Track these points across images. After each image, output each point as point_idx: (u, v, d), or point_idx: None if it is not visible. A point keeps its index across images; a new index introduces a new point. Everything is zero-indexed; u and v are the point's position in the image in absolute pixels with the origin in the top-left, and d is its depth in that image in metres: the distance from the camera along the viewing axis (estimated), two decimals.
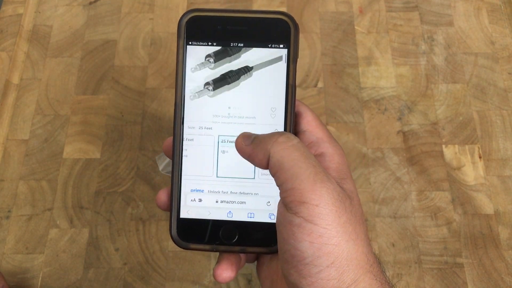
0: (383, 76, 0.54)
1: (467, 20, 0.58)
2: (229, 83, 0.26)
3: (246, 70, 0.26)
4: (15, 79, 0.54)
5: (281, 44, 0.26)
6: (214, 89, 0.26)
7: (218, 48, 0.26)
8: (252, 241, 0.26)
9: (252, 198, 0.26)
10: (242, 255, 0.27)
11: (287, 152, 0.23)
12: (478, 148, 0.51)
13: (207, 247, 0.26)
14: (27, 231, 0.47)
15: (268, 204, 0.26)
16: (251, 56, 0.26)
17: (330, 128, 0.52)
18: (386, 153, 0.50)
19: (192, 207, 0.26)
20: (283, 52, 0.26)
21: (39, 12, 0.58)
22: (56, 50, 0.56)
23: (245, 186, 0.26)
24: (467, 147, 0.51)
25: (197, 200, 0.26)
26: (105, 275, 0.45)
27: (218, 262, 0.26)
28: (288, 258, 0.22)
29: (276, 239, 0.25)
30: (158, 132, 0.51)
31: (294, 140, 0.23)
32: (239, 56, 0.26)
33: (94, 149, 0.50)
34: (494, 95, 0.53)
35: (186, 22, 0.26)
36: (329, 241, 0.21)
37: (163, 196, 0.27)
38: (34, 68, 0.55)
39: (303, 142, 0.24)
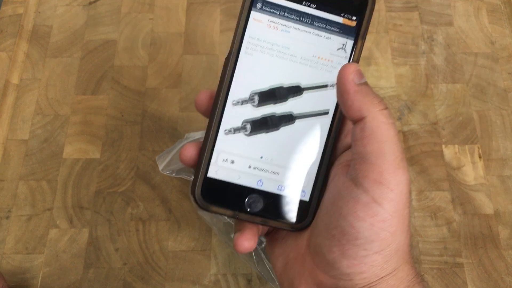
0: (382, 76, 0.54)
1: (467, 20, 0.58)
2: (267, 130, 0.25)
3: (288, 119, 0.25)
4: (15, 79, 0.54)
5: (354, 16, 0.24)
6: (250, 132, 0.25)
7: (266, 89, 0.24)
8: (276, 215, 0.25)
9: (286, 171, 0.25)
10: (260, 227, 0.26)
11: (386, 126, 0.21)
12: (478, 148, 0.51)
13: (228, 212, 0.25)
14: (27, 231, 0.47)
15: (302, 180, 0.25)
16: (298, 105, 0.25)
17: None
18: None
19: (222, 168, 0.25)
20: (345, 53, 0.24)
21: (39, 12, 0.58)
22: (56, 50, 0.56)
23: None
24: (467, 147, 0.51)
25: (229, 161, 0.25)
26: (105, 275, 0.45)
27: (239, 231, 0.25)
28: (336, 235, 0.21)
29: (301, 217, 0.24)
30: (158, 132, 0.51)
31: (393, 120, 0.22)
32: (286, 103, 0.25)
33: (94, 149, 0.50)
34: (494, 95, 0.53)
35: None
36: (389, 228, 0.21)
37: (191, 148, 0.25)
38: (34, 68, 0.55)
39: None
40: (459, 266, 0.45)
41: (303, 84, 0.25)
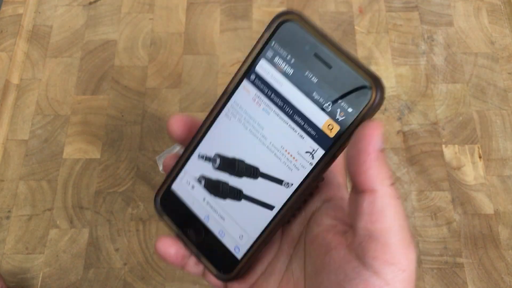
0: (383, 76, 0.54)
1: (467, 20, 0.58)
2: (232, 173, 0.25)
3: (253, 174, 0.24)
4: (15, 79, 0.54)
5: (350, 108, 0.21)
6: (218, 167, 0.25)
7: (229, 157, 0.25)
8: (208, 254, 0.26)
9: (231, 221, 0.26)
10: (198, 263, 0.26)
11: (396, 203, 0.20)
12: (478, 148, 0.51)
13: (174, 227, 0.26)
14: (27, 231, 0.47)
15: (241, 237, 0.25)
16: (250, 185, 0.25)
17: None
18: (386, 153, 0.50)
19: (183, 188, 0.26)
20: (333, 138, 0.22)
21: (39, 12, 0.58)
22: (56, 50, 0.56)
23: (233, 207, 0.25)
24: (467, 147, 0.51)
25: (190, 185, 0.26)
26: (105, 275, 0.45)
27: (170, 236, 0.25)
28: None
29: (227, 270, 0.25)
30: (158, 132, 0.51)
31: (395, 190, 0.20)
32: (240, 179, 0.25)
33: (94, 149, 0.50)
34: (494, 95, 0.53)
35: (280, 23, 0.22)
36: None
37: (171, 159, 0.26)
38: (34, 68, 0.55)
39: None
40: (459, 266, 0.45)
41: (262, 169, 0.24)
